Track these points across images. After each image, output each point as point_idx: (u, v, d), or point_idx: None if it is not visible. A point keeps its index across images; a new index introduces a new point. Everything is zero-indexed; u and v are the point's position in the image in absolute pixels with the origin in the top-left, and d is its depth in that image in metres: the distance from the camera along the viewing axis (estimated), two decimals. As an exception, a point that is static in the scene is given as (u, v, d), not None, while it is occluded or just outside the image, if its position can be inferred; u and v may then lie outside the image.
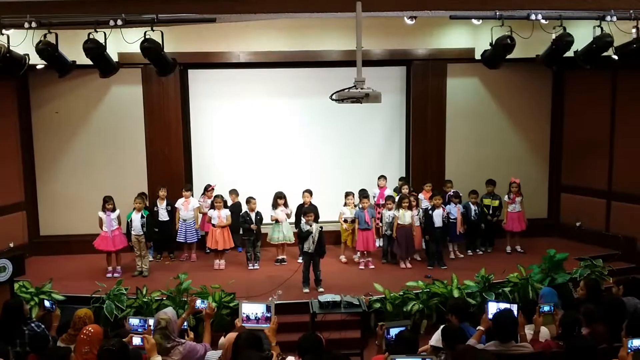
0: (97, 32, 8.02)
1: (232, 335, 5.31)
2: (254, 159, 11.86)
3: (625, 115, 10.94)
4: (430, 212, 10.36)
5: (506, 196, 11.04)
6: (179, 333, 5.57)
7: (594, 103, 11.41)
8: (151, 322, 5.53)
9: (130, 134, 11.32)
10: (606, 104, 11.19)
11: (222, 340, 5.58)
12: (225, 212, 10.36)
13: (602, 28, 8.29)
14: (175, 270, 9.81)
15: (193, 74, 11.62)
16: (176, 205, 10.74)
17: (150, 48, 8.20)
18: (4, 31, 7.92)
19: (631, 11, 8.09)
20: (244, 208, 10.53)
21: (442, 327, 5.68)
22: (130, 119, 11.28)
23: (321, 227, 9.24)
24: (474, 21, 9.29)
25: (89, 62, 8.43)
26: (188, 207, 10.70)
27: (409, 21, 9.35)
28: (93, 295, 8.56)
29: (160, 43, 8.21)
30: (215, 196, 10.47)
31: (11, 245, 10.57)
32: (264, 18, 9.08)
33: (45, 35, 7.96)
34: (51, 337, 5.93)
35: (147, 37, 8.11)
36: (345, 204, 10.65)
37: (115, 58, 9.26)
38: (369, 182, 11.26)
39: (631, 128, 10.79)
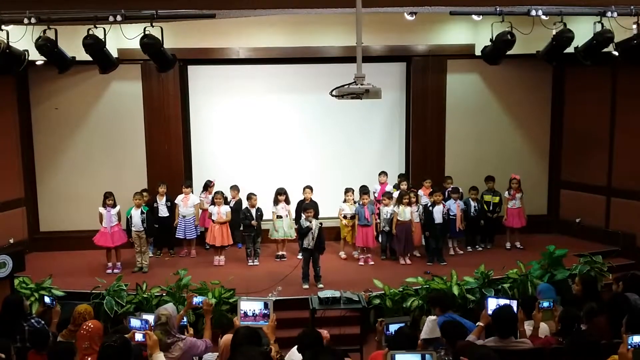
0: (96, 28, 8.00)
1: (229, 336, 5.31)
2: (253, 155, 11.85)
3: (625, 111, 10.93)
4: (430, 208, 10.37)
5: (506, 192, 11.04)
6: (178, 329, 5.58)
7: (594, 99, 11.40)
8: (151, 321, 5.52)
9: (129, 130, 11.31)
10: (606, 100, 11.18)
11: (221, 341, 5.59)
12: (225, 209, 10.36)
13: (602, 24, 8.27)
14: (175, 266, 9.82)
15: (193, 70, 11.60)
16: (176, 202, 10.75)
17: (149, 44, 8.18)
18: (3, 27, 7.90)
19: (632, 7, 8.08)
20: (245, 204, 10.54)
21: (433, 318, 5.74)
22: (130, 115, 11.28)
23: (321, 224, 9.25)
24: (474, 17, 9.27)
25: (88, 58, 8.41)
26: (187, 203, 10.71)
27: (409, 17, 9.33)
28: (93, 291, 8.57)
29: (160, 39, 8.19)
30: (216, 192, 10.47)
31: (11, 241, 10.58)
32: (263, 14, 9.05)
33: (44, 31, 7.94)
34: (51, 333, 5.93)
35: (146, 33, 8.09)
36: (345, 200, 10.65)
37: (114, 54, 9.24)
38: (369, 178, 11.26)
39: (631, 124, 10.79)
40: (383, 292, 8.61)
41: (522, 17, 8.34)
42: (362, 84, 6.07)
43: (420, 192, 10.96)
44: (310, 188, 10.53)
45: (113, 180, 10.95)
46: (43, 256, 10.79)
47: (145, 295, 8.51)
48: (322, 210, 10.39)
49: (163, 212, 10.73)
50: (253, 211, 10.31)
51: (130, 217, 10.03)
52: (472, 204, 10.92)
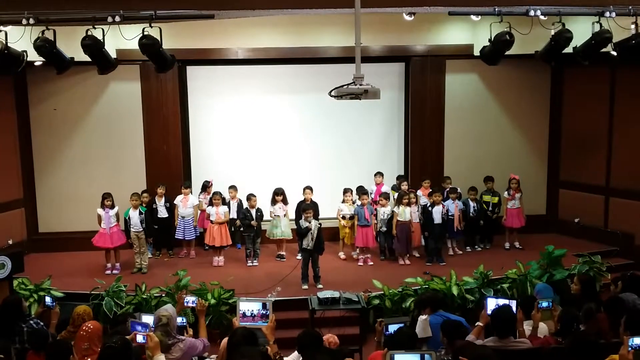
0: (95, 28, 7.99)
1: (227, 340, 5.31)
2: (252, 155, 11.85)
3: (623, 111, 10.94)
4: (429, 208, 10.37)
5: (505, 192, 11.04)
6: (177, 330, 5.57)
7: (592, 99, 11.41)
8: (151, 324, 5.51)
9: (128, 131, 11.31)
10: (605, 100, 11.19)
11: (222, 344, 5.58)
12: (223, 209, 10.36)
13: (601, 24, 8.28)
14: (174, 267, 9.82)
15: (191, 71, 11.60)
16: (175, 202, 10.74)
17: (148, 44, 8.18)
18: (1, 28, 7.91)
19: (630, 7, 8.08)
20: (244, 204, 10.55)
21: (425, 317, 5.73)
22: (129, 116, 11.27)
23: (320, 224, 9.25)
24: (473, 17, 9.28)
25: (87, 58, 8.41)
26: (186, 204, 10.71)
27: (407, 17, 9.33)
28: (92, 292, 8.56)
29: (159, 39, 8.19)
30: (214, 193, 10.47)
31: (10, 242, 10.57)
32: (262, 14, 9.04)
33: (43, 32, 7.93)
34: (50, 334, 5.92)
35: (145, 33, 8.09)
36: (344, 201, 10.65)
37: (113, 54, 9.25)
38: (368, 178, 11.27)
39: (629, 124, 10.80)
40: (382, 292, 8.61)
41: (521, 17, 8.35)
42: (361, 84, 6.07)
43: (419, 192, 10.97)
44: (310, 188, 10.53)
45: (112, 181, 10.95)
46: (42, 257, 10.78)
47: (144, 296, 8.51)
48: (321, 210, 10.39)
49: (162, 213, 10.73)
50: (253, 212, 10.31)
51: (129, 218, 10.03)
52: (471, 204, 10.92)
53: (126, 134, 11.33)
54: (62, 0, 7.35)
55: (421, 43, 11.37)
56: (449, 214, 10.52)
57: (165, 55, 8.69)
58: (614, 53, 8.74)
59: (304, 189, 10.53)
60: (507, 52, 9.04)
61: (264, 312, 5.36)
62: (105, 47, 8.30)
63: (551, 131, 12.18)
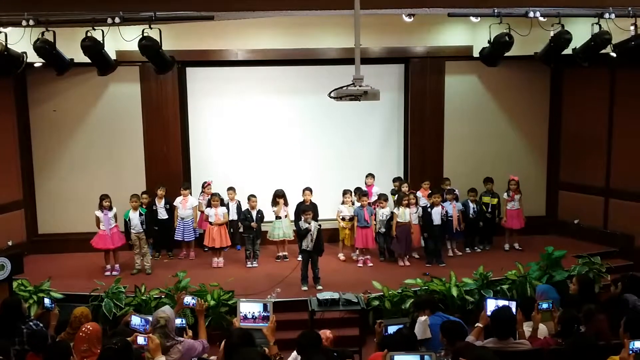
0: (95, 30, 8.01)
1: None
2: (252, 156, 11.85)
3: (623, 112, 10.94)
4: (429, 209, 10.37)
5: (505, 194, 11.04)
6: (177, 331, 5.57)
7: (592, 100, 11.42)
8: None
9: (128, 132, 11.31)
10: (604, 101, 11.19)
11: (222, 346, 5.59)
12: (222, 210, 10.36)
13: (600, 25, 8.29)
14: (173, 268, 9.82)
15: (191, 72, 11.61)
16: (174, 204, 10.74)
17: (148, 46, 8.19)
18: (1, 29, 7.91)
19: (629, 8, 8.09)
20: (244, 206, 10.55)
21: (424, 318, 5.74)
22: (129, 117, 11.27)
23: (319, 225, 9.24)
24: (472, 19, 9.28)
25: (86, 60, 8.42)
26: (186, 205, 10.71)
27: (407, 19, 9.34)
28: (92, 294, 8.56)
29: (159, 41, 8.20)
30: (213, 194, 10.47)
31: (10, 243, 10.57)
32: (262, 16, 9.06)
33: (42, 33, 7.94)
34: (50, 336, 5.92)
35: (145, 35, 8.10)
36: (343, 202, 10.65)
37: (113, 56, 9.26)
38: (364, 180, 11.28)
39: (629, 125, 10.80)
40: (382, 293, 8.61)
41: (520, 19, 8.35)
42: (360, 86, 6.06)
43: (419, 193, 10.96)
44: (310, 190, 10.53)
45: (112, 182, 10.95)
46: (42, 258, 10.77)
47: (144, 298, 8.50)
48: (321, 212, 10.39)
49: (162, 214, 10.73)
50: (253, 213, 10.31)
51: (129, 219, 10.02)
52: (471, 205, 10.92)
53: (126, 135, 11.33)
54: (62, 2, 7.35)
55: (421, 44, 11.37)
56: (449, 215, 10.52)
57: (165, 57, 8.70)
58: (614, 54, 8.75)
59: (304, 190, 10.53)
60: (507, 54, 9.06)
61: (265, 313, 5.36)
62: (105, 48, 8.32)
63: (551, 132, 12.19)
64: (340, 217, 10.64)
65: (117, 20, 7.66)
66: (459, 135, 11.85)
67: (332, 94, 6.14)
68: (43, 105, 11.25)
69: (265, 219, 10.58)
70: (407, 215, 10.29)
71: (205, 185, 11.02)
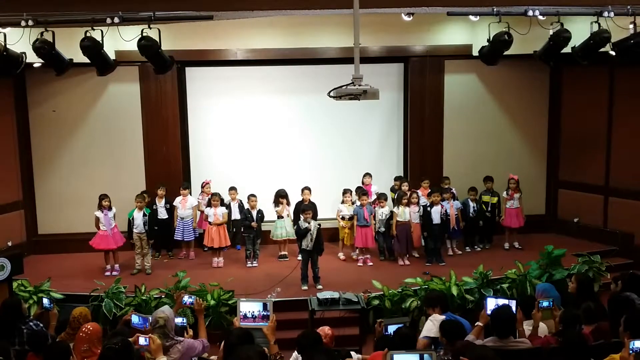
0: (94, 30, 8.00)
1: None
2: (251, 156, 11.85)
3: (622, 110, 10.95)
4: (428, 209, 10.37)
5: (504, 192, 11.04)
6: (177, 330, 5.57)
7: (591, 99, 11.42)
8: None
9: (127, 132, 11.31)
10: (603, 99, 11.20)
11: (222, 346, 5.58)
12: (222, 210, 10.36)
13: (599, 24, 8.29)
14: (173, 268, 9.82)
15: (190, 72, 11.61)
16: (174, 204, 10.74)
17: (147, 46, 8.18)
18: (0, 29, 7.90)
19: (628, 7, 8.09)
20: (245, 205, 10.56)
21: (434, 317, 5.73)
22: (128, 117, 11.27)
23: (319, 225, 9.25)
24: (472, 17, 9.28)
25: (86, 60, 8.42)
26: (185, 205, 10.71)
27: (406, 18, 9.34)
28: (92, 294, 8.56)
29: (158, 41, 8.19)
30: (213, 194, 10.46)
31: (9, 244, 10.57)
32: (261, 15, 9.05)
33: (42, 34, 7.93)
34: (50, 336, 5.92)
35: (144, 34, 8.09)
36: (343, 202, 10.66)
37: (112, 56, 9.25)
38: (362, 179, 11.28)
39: (628, 123, 10.80)
40: (382, 292, 8.61)
41: (519, 18, 8.35)
42: (359, 85, 6.07)
43: (418, 192, 10.96)
44: (309, 189, 10.53)
45: (111, 182, 10.95)
46: (41, 259, 10.78)
47: (144, 298, 8.50)
48: (320, 211, 10.39)
49: (162, 214, 10.73)
50: (253, 212, 10.31)
51: (132, 219, 10.01)
52: (471, 204, 10.92)
53: (125, 135, 11.33)
54: (61, 2, 7.35)
55: (420, 43, 11.37)
56: (448, 214, 10.52)
57: (164, 57, 8.70)
58: (613, 53, 8.74)
59: (303, 190, 10.53)
60: (506, 52, 9.05)
61: (265, 312, 5.36)
62: (104, 48, 8.30)
63: (550, 131, 12.19)
64: (340, 216, 10.64)
65: (116, 20, 7.65)
66: (458, 134, 11.85)
67: (331, 93, 6.14)
68: (42, 105, 11.25)
69: (265, 219, 10.58)
70: (407, 214, 10.29)
71: (204, 185, 11.02)
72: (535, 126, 12.17)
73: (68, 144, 11.33)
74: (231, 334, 4.78)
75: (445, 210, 10.46)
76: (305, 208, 9.48)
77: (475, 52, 10.37)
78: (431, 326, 5.78)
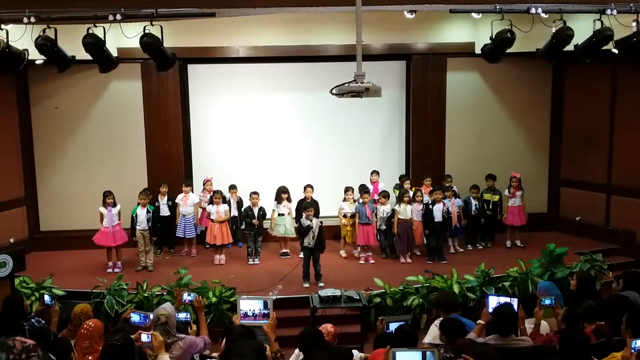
0: (96, 27, 8.00)
1: None
2: (253, 153, 11.85)
3: (624, 108, 10.92)
4: (430, 206, 10.37)
5: (506, 190, 11.04)
6: (180, 327, 5.58)
7: (593, 97, 11.40)
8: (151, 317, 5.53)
9: (130, 129, 11.31)
10: (606, 97, 11.17)
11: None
12: (224, 207, 10.36)
13: (602, 22, 8.28)
14: (175, 265, 9.82)
15: (192, 69, 11.60)
16: (176, 201, 10.75)
17: (149, 43, 8.19)
18: (2, 26, 7.91)
19: (631, 4, 8.08)
20: (245, 202, 10.56)
21: (439, 322, 5.70)
22: (130, 114, 11.27)
23: (321, 222, 9.25)
24: (474, 15, 9.27)
25: (88, 57, 8.42)
26: (187, 202, 10.72)
27: (408, 15, 9.33)
28: (93, 291, 8.57)
29: (160, 38, 8.19)
30: (215, 191, 10.47)
31: (11, 240, 10.59)
32: (263, 13, 9.06)
33: (44, 30, 7.94)
34: (52, 333, 5.93)
35: (146, 31, 8.09)
36: (345, 199, 10.65)
37: (114, 53, 9.25)
38: (369, 176, 11.26)
39: (631, 122, 10.78)
40: (384, 290, 8.61)
41: (522, 15, 8.34)
42: (362, 83, 6.07)
43: (422, 190, 10.95)
44: (311, 187, 10.53)
45: (113, 179, 10.96)
46: (43, 255, 10.79)
47: (146, 295, 8.51)
48: (322, 209, 10.39)
49: (164, 211, 10.73)
50: (255, 210, 10.32)
51: (136, 216, 10.02)
52: (473, 202, 10.92)
53: (127, 133, 11.33)
54: (63, -1, 7.37)
55: (422, 41, 11.35)
56: (450, 212, 10.51)
57: (167, 54, 8.70)
58: (615, 51, 8.74)
59: (305, 187, 10.53)
60: (508, 50, 9.04)
61: (265, 310, 5.35)
62: (107, 45, 8.31)
63: (552, 129, 12.17)
64: (342, 214, 10.65)
65: (118, 17, 7.66)
66: (460, 131, 11.84)
67: (333, 91, 6.14)
68: (44, 102, 11.25)
69: (267, 216, 10.59)
70: (409, 212, 10.29)
71: (205, 182, 11.02)
72: (537, 124, 12.15)
73: (70, 141, 11.34)
74: (232, 330, 4.78)
75: (447, 208, 10.46)
76: (307, 205, 9.49)
77: (477, 50, 10.37)
78: (436, 331, 5.74)
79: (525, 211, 11.09)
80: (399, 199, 10.39)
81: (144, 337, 4.99)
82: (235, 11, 8.72)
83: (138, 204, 10.08)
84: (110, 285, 8.58)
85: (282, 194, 10.45)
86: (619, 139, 11.05)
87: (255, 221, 10.26)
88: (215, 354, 5.47)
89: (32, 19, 7.62)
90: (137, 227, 9.99)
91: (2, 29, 7.90)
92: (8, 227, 10.68)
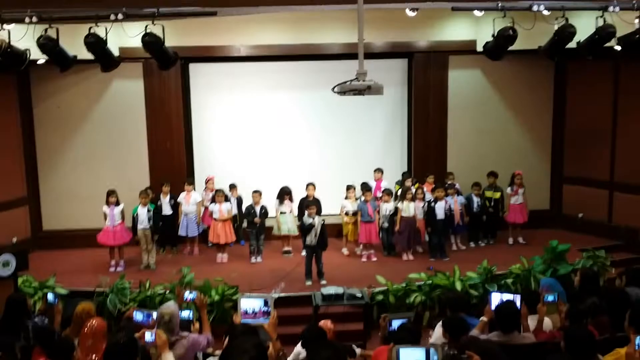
0: (98, 26, 8.02)
1: None
2: (255, 152, 11.86)
3: (627, 105, 10.91)
4: (432, 204, 10.37)
5: (509, 188, 11.03)
6: (184, 324, 5.59)
7: (596, 94, 11.39)
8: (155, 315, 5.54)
9: (131, 128, 11.33)
10: (608, 94, 11.16)
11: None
12: (227, 206, 10.37)
13: (604, 19, 8.26)
14: (178, 263, 9.83)
15: (194, 68, 11.61)
16: (178, 200, 10.76)
17: (151, 42, 8.20)
18: (5, 26, 7.92)
19: (634, 1, 8.06)
20: (246, 201, 10.56)
21: (441, 321, 5.71)
22: (132, 113, 11.29)
23: (323, 220, 9.25)
24: (476, 12, 9.25)
25: (90, 56, 8.44)
26: (189, 200, 10.72)
27: (410, 13, 9.32)
28: (96, 289, 8.58)
29: (162, 37, 8.20)
30: (217, 190, 10.48)
31: (14, 240, 10.60)
32: (265, 11, 9.07)
33: (46, 30, 7.95)
34: (55, 332, 5.94)
35: (148, 31, 8.10)
36: (347, 197, 10.65)
37: (116, 52, 9.26)
38: (371, 174, 11.27)
39: (633, 118, 10.77)
40: (386, 288, 8.61)
41: (524, 13, 8.33)
42: (364, 80, 6.07)
43: (424, 188, 10.94)
44: (313, 185, 10.54)
45: (115, 178, 10.97)
46: (46, 255, 10.81)
47: (148, 293, 8.52)
48: (324, 207, 10.39)
49: (167, 210, 10.74)
50: (257, 208, 10.33)
51: (137, 215, 10.04)
52: (475, 199, 10.91)
53: (129, 132, 11.35)
54: (65, -2, 7.38)
55: (424, 39, 11.35)
56: (452, 209, 10.51)
57: (168, 53, 8.71)
58: (618, 48, 8.72)
59: (307, 186, 10.54)
60: (511, 48, 9.03)
61: (266, 309, 5.35)
62: (108, 45, 8.32)
63: (554, 126, 12.16)
64: (344, 212, 10.65)
65: (120, 16, 7.67)
66: (462, 129, 11.83)
67: (335, 89, 6.14)
68: (47, 101, 11.27)
69: (269, 215, 10.59)
70: (411, 209, 10.28)
71: (207, 181, 11.03)
72: (539, 121, 12.14)
73: (72, 140, 11.36)
74: (235, 328, 4.79)
75: (449, 206, 10.45)
76: (309, 204, 9.49)
77: (479, 48, 10.35)
78: (436, 334, 5.73)
79: (527, 208, 11.07)
80: (402, 197, 10.39)
81: (148, 336, 4.99)
82: (237, 10, 8.74)
83: (140, 203, 10.09)
84: (113, 283, 8.59)
85: (285, 194, 10.47)
86: (621, 136, 11.04)
87: (256, 219, 10.26)
88: (218, 352, 5.48)
89: (34, 19, 7.63)
90: (139, 226, 10.01)
91: (4, 29, 7.91)
92: (11, 226, 10.70)
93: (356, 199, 10.62)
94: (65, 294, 8.44)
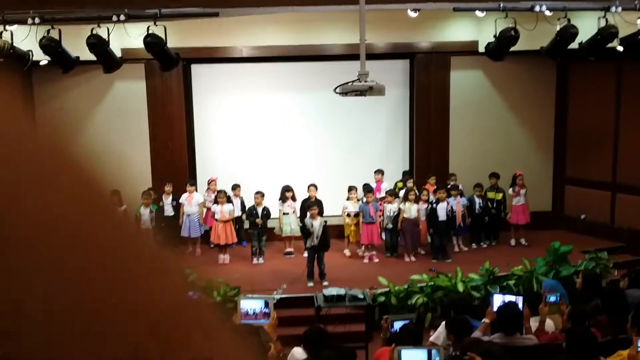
0: (100, 27, 8.04)
1: None
2: (257, 153, 11.86)
3: (630, 106, 10.89)
4: (434, 205, 10.36)
5: (510, 189, 11.01)
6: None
7: (598, 95, 11.36)
8: None
9: (133, 129, 11.33)
10: (611, 95, 11.14)
11: None
12: (229, 207, 10.37)
13: (606, 19, 8.26)
14: (180, 265, 9.83)
15: (196, 69, 11.62)
16: (180, 201, 10.76)
17: (153, 43, 8.22)
18: (7, 27, 7.94)
19: (636, 2, 8.06)
20: (248, 202, 10.57)
21: (443, 322, 5.70)
22: (134, 114, 11.29)
23: (325, 221, 9.24)
24: (478, 13, 9.26)
25: (92, 57, 8.46)
26: (192, 202, 10.72)
27: (412, 14, 9.33)
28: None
29: (164, 38, 8.22)
30: (219, 191, 10.48)
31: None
32: (267, 12, 9.08)
33: (48, 31, 7.98)
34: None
35: (150, 32, 8.11)
36: (348, 199, 10.64)
37: (118, 53, 9.28)
38: (372, 175, 11.26)
39: (636, 120, 10.74)
40: (388, 289, 8.60)
41: (526, 13, 8.34)
42: (365, 81, 6.08)
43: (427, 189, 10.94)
44: (315, 186, 10.53)
45: (117, 179, 10.96)
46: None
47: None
48: (326, 208, 10.38)
49: (169, 211, 10.74)
50: (259, 209, 10.33)
51: (139, 215, 10.03)
52: (477, 200, 10.90)
53: (131, 133, 11.35)
54: (68, 0, 7.39)
55: (426, 40, 11.34)
56: (454, 210, 10.50)
57: (170, 54, 8.73)
58: (620, 48, 8.72)
59: (308, 187, 10.53)
60: (512, 48, 9.04)
61: (266, 310, 5.34)
62: (110, 46, 8.34)
63: (557, 127, 12.14)
64: (346, 213, 10.64)
65: (122, 17, 7.70)
66: (464, 130, 11.82)
67: (337, 90, 6.15)
68: (49, 103, 11.26)
69: (271, 216, 10.59)
70: (414, 210, 10.27)
71: (210, 182, 11.03)
72: (541, 122, 12.12)
73: (74, 141, 11.35)
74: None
75: (451, 207, 10.44)
76: (311, 205, 9.49)
77: (481, 49, 10.35)
78: (437, 333, 5.72)
79: (529, 209, 11.06)
80: (404, 198, 10.37)
81: None
82: (239, 11, 8.75)
83: (142, 204, 10.10)
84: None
85: (286, 192, 10.45)
86: (624, 137, 11.02)
87: (258, 220, 10.26)
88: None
89: (37, 20, 7.65)
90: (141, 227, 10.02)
91: (6, 30, 7.94)
92: (13, 227, 10.69)
93: (358, 200, 10.61)
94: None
